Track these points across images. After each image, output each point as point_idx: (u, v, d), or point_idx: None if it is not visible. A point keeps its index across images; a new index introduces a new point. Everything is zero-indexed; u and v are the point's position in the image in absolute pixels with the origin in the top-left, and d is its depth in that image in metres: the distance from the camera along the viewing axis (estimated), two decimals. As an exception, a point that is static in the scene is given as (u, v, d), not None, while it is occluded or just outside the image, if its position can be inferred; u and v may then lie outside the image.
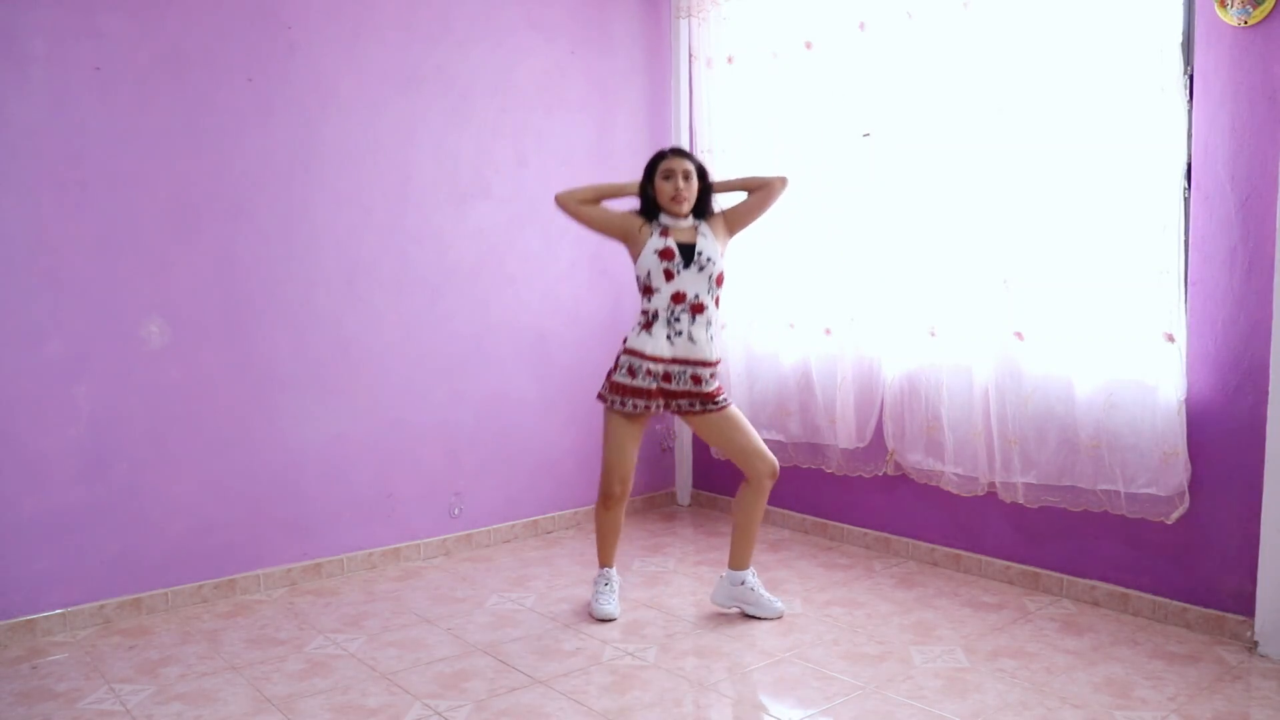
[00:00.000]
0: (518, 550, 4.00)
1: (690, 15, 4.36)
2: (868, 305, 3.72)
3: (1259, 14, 2.75)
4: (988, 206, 3.28)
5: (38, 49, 3.00)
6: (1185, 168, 2.89)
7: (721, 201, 3.23)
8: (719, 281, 3.07)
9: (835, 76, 3.77)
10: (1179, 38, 2.84)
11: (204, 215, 3.32)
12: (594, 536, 3.38)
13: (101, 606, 3.19)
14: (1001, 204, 3.25)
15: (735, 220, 3.18)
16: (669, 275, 3.02)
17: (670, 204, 3.05)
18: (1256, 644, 2.81)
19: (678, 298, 3.03)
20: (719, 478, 4.56)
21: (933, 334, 3.51)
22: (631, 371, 3.05)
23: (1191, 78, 2.89)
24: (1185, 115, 2.88)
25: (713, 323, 3.08)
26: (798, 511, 4.23)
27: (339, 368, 3.65)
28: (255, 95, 3.40)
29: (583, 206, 3.12)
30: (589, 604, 3.25)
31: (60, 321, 3.08)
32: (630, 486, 3.19)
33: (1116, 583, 3.18)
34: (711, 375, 3.08)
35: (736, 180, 3.27)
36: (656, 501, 4.62)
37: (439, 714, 2.51)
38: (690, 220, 3.10)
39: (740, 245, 4.12)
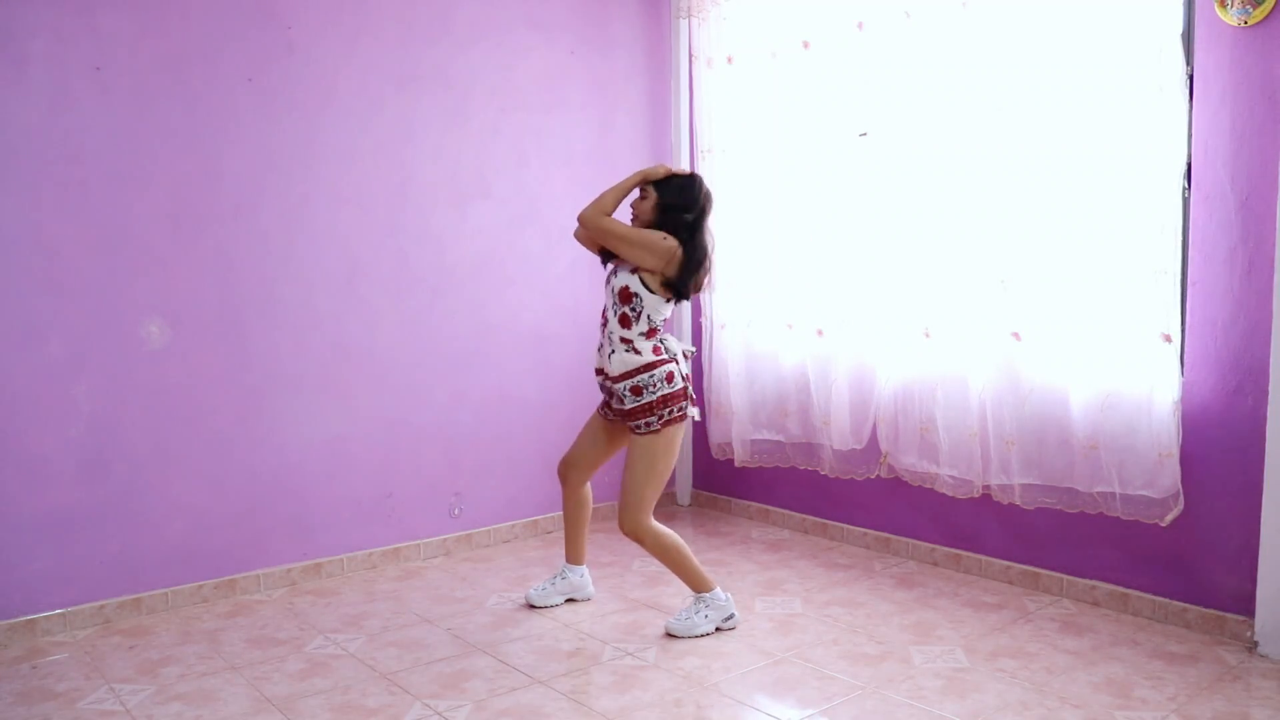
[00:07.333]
0: (518, 550, 4.00)
1: (690, 15, 4.35)
2: (863, 306, 3.71)
3: (1259, 14, 2.75)
4: (986, 206, 3.28)
5: (38, 49, 3.00)
6: (1185, 168, 2.89)
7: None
8: (622, 297, 2.96)
9: (833, 76, 3.77)
10: (1179, 37, 2.84)
11: (204, 215, 3.32)
12: (593, 536, 3.40)
13: (101, 606, 3.19)
14: (1000, 204, 3.25)
15: None
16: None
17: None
18: (1256, 644, 2.81)
19: (603, 313, 3.08)
20: (719, 478, 4.56)
21: (928, 335, 3.50)
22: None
23: (1191, 78, 2.89)
24: (1185, 115, 2.88)
25: (614, 335, 2.99)
26: (798, 511, 4.23)
27: (339, 368, 3.65)
28: (255, 95, 3.40)
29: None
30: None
31: (60, 321, 3.08)
32: (580, 474, 3.27)
33: (1116, 583, 3.18)
34: (630, 389, 2.94)
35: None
36: (657, 501, 4.60)
37: (439, 714, 2.51)
38: None
39: (740, 244, 4.14)
